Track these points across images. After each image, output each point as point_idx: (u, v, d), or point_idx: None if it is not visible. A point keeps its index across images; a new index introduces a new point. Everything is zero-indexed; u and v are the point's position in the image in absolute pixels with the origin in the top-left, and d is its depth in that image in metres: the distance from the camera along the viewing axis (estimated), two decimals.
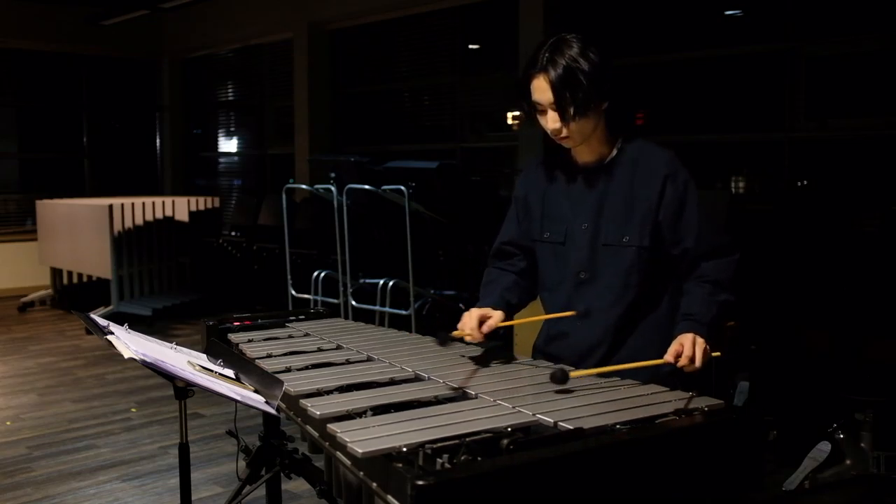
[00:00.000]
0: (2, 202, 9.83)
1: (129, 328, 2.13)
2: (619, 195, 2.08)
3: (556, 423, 1.57)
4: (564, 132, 2.03)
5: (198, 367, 1.98)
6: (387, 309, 5.59)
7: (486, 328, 2.11)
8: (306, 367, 2.09)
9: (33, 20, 9.47)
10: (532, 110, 2.06)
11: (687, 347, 1.91)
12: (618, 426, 1.56)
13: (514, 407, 1.67)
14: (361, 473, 1.50)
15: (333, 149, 8.44)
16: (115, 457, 4.18)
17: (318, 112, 8.51)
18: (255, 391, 1.85)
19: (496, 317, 2.14)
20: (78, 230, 7.69)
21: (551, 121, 2.03)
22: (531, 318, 2.31)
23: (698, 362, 1.90)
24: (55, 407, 5.05)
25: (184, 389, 2.03)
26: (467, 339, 2.13)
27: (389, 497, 1.40)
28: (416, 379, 1.94)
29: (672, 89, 5.94)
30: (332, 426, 1.55)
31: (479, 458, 1.42)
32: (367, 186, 5.42)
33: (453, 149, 7.43)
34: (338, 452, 1.58)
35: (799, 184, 5.33)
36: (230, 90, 10.36)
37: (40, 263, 8.55)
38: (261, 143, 9.78)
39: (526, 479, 1.37)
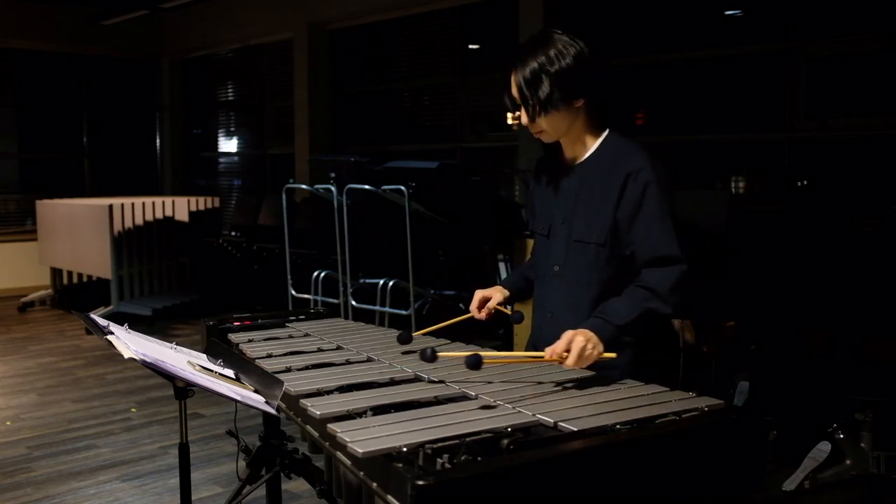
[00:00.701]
0: (2, 202, 9.84)
1: (129, 328, 2.13)
2: (590, 192, 2.09)
3: (556, 423, 1.57)
4: (534, 128, 2.10)
5: (198, 367, 1.98)
6: (387, 309, 5.59)
7: (485, 312, 2.30)
8: (306, 367, 2.09)
9: (33, 20, 9.47)
10: (513, 105, 2.11)
11: (561, 344, 1.87)
12: (618, 426, 1.56)
13: (514, 407, 1.67)
14: (361, 473, 1.50)
15: (333, 149, 8.44)
16: (115, 457, 4.18)
17: (318, 112, 8.51)
18: (255, 391, 1.85)
19: (496, 298, 2.30)
20: (78, 230, 7.69)
21: (522, 117, 2.10)
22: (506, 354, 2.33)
23: (569, 363, 1.85)
24: (55, 407, 5.05)
25: (184, 389, 2.02)
26: (474, 317, 2.32)
27: (389, 497, 1.40)
28: (416, 379, 1.94)
29: (672, 89, 5.94)
30: (332, 426, 1.55)
31: (479, 458, 1.42)
32: (367, 186, 5.42)
33: (453, 149, 7.43)
34: (338, 452, 1.58)
35: (799, 184, 5.33)
36: (230, 90, 10.37)
37: (40, 263, 8.55)
38: (261, 143, 9.78)
39: (526, 479, 1.37)
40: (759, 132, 5.42)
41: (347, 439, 1.47)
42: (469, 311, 2.36)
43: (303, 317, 2.81)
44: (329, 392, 1.86)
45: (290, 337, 2.51)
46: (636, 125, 6.18)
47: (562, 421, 1.57)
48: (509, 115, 2.18)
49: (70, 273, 8.30)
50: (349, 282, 5.75)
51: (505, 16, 6.69)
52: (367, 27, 8.20)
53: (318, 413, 1.66)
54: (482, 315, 2.32)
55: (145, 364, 1.90)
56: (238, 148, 10.40)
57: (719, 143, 5.68)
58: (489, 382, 1.88)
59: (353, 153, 6.78)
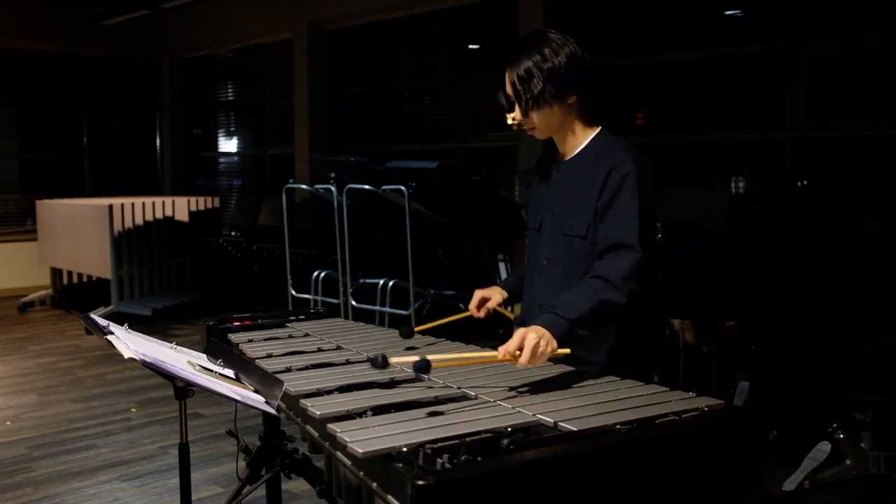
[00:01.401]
0: (2, 202, 9.83)
1: (129, 328, 2.13)
2: (576, 187, 2.13)
3: (556, 423, 1.57)
4: (527, 124, 2.15)
5: (198, 367, 1.98)
6: (387, 309, 5.59)
7: (483, 311, 2.35)
8: (306, 367, 2.09)
9: (33, 20, 9.47)
10: (508, 103, 2.16)
11: (513, 342, 1.85)
12: (618, 426, 1.56)
13: (514, 407, 1.67)
14: (361, 473, 1.50)
15: (333, 149, 8.44)
16: (115, 457, 4.18)
17: (318, 112, 8.51)
18: (255, 391, 1.85)
19: (495, 298, 2.34)
20: (78, 230, 7.69)
21: (516, 113, 2.15)
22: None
23: (522, 361, 1.83)
24: (55, 407, 5.05)
25: (184, 389, 2.02)
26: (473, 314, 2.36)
27: (389, 497, 1.40)
28: (416, 379, 1.94)
29: (672, 89, 5.94)
30: (332, 426, 1.55)
31: (479, 458, 1.42)
32: (367, 186, 5.41)
33: (453, 149, 7.43)
34: (338, 452, 1.58)
35: (799, 184, 5.33)
36: (230, 90, 10.37)
37: (40, 263, 8.55)
38: (261, 143, 9.78)
39: (526, 479, 1.37)
40: (759, 132, 5.42)
41: (347, 439, 1.47)
42: (468, 310, 2.38)
43: (303, 317, 2.81)
44: (329, 392, 1.86)
45: (290, 337, 2.51)
46: (636, 125, 6.18)
47: (562, 421, 1.57)
48: (508, 115, 2.19)
49: (70, 273, 8.30)
50: (349, 282, 5.75)
51: (505, 16, 6.69)
52: (367, 27, 8.20)
53: (318, 413, 1.66)
54: (481, 314, 2.35)
55: (145, 364, 1.90)
56: (238, 148, 10.40)
57: (719, 143, 5.68)
58: (489, 382, 1.88)
59: (353, 153, 6.78)
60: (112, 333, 2.02)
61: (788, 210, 5.22)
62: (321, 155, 7.86)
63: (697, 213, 4.85)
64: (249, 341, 2.44)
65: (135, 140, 10.87)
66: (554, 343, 1.87)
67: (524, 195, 6.39)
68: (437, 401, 1.76)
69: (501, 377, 1.92)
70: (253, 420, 3.49)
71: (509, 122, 2.19)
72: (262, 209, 8.43)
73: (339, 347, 2.32)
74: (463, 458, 1.41)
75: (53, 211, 8.13)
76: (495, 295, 2.35)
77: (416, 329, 2.38)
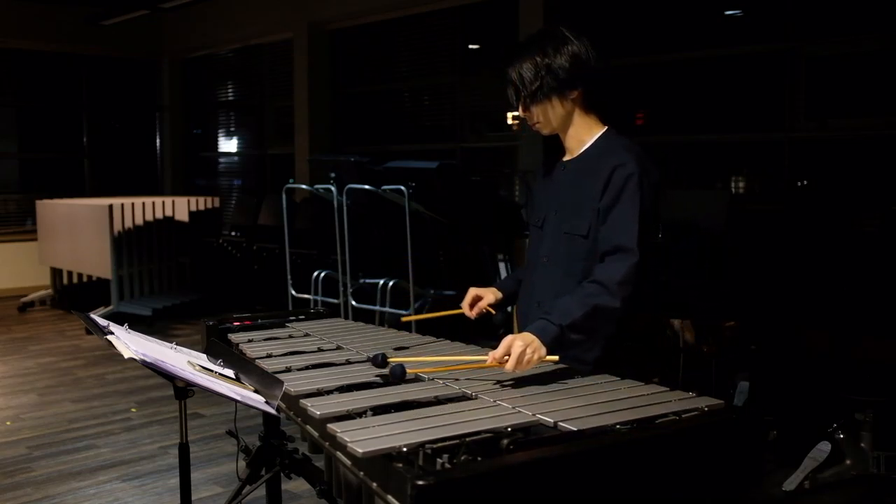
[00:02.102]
0: (2, 202, 9.83)
1: (129, 328, 2.12)
2: (580, 185, 2.13)
3: (556, 423, 1.57)
4: (530, 119, 2.16)
5: (198, 367, 1.98)
6: (387, 309, 5.59)
7: (476, 310, 2.34)
8: (306, 367, 2.09)
9: (33, 20, 9.47)
10: (515, 98, 2.18)
11: (500, 350, 1.86)
12: (618, 426, 1.56)
13: (514, 407, 1.67)
14: (361, 473, 1.50)
15: (333, 149, 8.44)
16: (115, 457, 4.18)
17: (318, 112, 8.51)
18: (255, 391, 1.85)
19: (488, 298, 2.33)
20: (78, 230, 7.69)
21: (520, 107, 2.17)
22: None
23: (509, 367, 1.84)
24: (55, 407, 5.05)
25: (184, 389, 2.02)
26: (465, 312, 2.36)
27: (389, 497, 1.40)
28: (416, 379, 1.94)
29: (672, 89, 5.94)
30: (332, 426, 1.55)
31: (479, 458, 1.42)
32: (367, 186, 5.41)
33: (453, 149, 7.43)
34: (338, 452, 1.58)
35: (799, 184, 5.33)
36: (230, 90, 10.37)
37: (40, 263, 8.55)
38: (261, 143, 9.78)
39: (526, 479, 1.37)
40: (759, 132, 5.42)
41: (347, 439, 1.47)
42: (461, 307, 2.38)
43: (303, 317, 2.81)
44: (329, 392, 1.86)
45: (290, 337, 2.51)
46: (636, 125, 6.18)
47: (562, 421, 1.57)
48: (509, 115, 2.20)
49: (70, 273, 8.30)
50: (349, 282, 5.75)
51: (505, 16, 6.69)
52: (367, 27, 8.19)
53: (318, 413, 1.66)
54: (472, 313, 2.35)
55: (145, 364, 1.90)
56: (238, 148, 10.40)
57: (719, 143, 5.68)
58: (489, 382, 1.88)
59: (353, 153, 6.78)
60: (112, 333, 2.02)
61: (788, 210, 5.22)
62: (321, 155, 7.86)
63: (697, 213, 4.85)
64: (249, 341, 2.44)
65: (135, 140, 10.87)
66: (542, 350, 1.87)
67: (525, 195, 6.39)
68: (437, 401, 1.76)
69: (501, 377, 1.92)
70: (253, 420, 3.49)
71: (509, 121, 2.19)
72: (262, 209, 8.43)
73: (339, 347, 2.32)
74: (463, 458, 1.41)
75: (53, 211, 8.13)
76: (488, 295, 2.35)
77: (411, 318, 2.45)
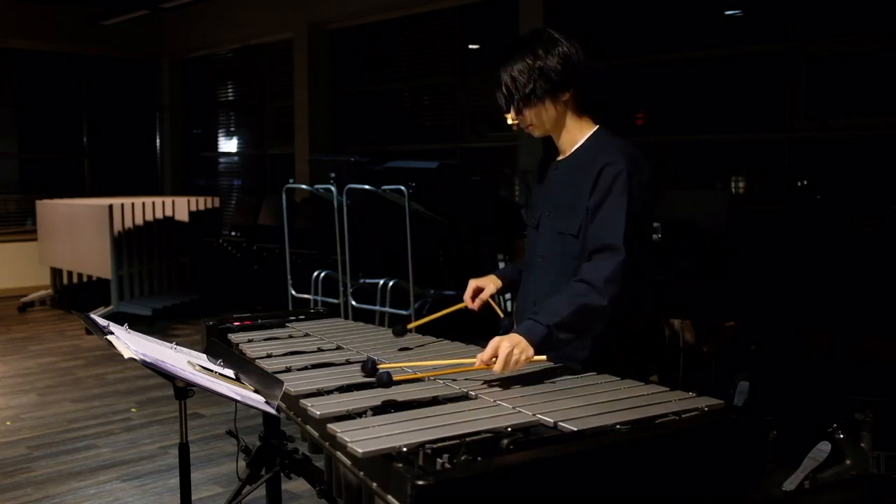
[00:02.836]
0: (2, 202, 9.83)
1: (129, 328, 2.13)
2: (571, 186, 2.14)
3: (556, 423, 1.57)
4: (523, 122, 2.16)
5: (198, 367, 1.98)
6: (387, 309, 5.59)
7: (478, 302, 2.35)
8: (306, 367, 2.09)
9: (33, 20, 9.47)
10: (505, 102, 2.17)
11: (487, 352, 1.86)
12: (618, 426, 1.56)
13: (514, 407, 1.67)
14: (361, 473, 1.50)
15: (333, 149, 8.44)
16: (115, 457, 4.18)
17: (318, 112, 8.51)
18: (255, 391, 1.85)
19: (489, 289, 2.35)
20: (78, 230, 7.69)
21: (512, 111, 2.15)
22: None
23: (496, 369, 1.84)
24: (55, 407, 5.05)
25: (184, 389, 2.02)
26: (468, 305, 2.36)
27: (389, 497, 1.40)
28: (416, 379, 1.94)
29: (672, 89, 5.94)
30: (332, 426, 1.55)
31: (479, 458, 1.42)
32: (367, 186, 5.41)
33: (453, 149, 7.43)
34: (338, 452, 1.58)
35: (799, 184, 5.33)
36: (230, 90, 10.37)
37: (40, 263, 8.55)
38: (261, 143, 9.78)
39: (526, 479, 1.37)
40: (759, 132, 5.42)
41: (347, 439, 1.47)
42: (463, 301, 2.37)
43: (303, 317, 2.81)
44: (329, 392, 1.86)
45: (290, 337, 2.51)
46: (636, 125, 6.18)
47: (562, 421, 1.57)
48: (508, 116, 2.19)
49: (70, 273, 8.30)
50: (349, 282, 5.75)
51: (505, 16, 6.69)
52: (367, 27, 8.19)
53: (318, 413, 1.66)
54: (475, 306, 2.35)
55: (145, 364, 1.90)
56: (238, 148, 10.40)
57: (719, 143, 5.68)
58: (489, 382, 1.88)
59: (353, 153, 6.78)
60: (112, 333, 2.02)
61: (788, 210, 5.21)
62: (321, 155, 7.86)
63: (697, 213, 4.84)
64: (249, 341, 2.44)
65: (135, 140, 10.87)
66: (529, 351, 1.87)
67: (524, 195, 6.39)
68: (437, 401, 1.76)
69: (501, 377, 1.92)
70: (253, 420, 3.49)
71: (509, 122, 2.19)
72: (262, 209, 8.43)
73: (339, 347, 2.32)
74: (463, 458, 1.41)
75: (53, 211, 8.13)
76: (489, 285, 2.36)
77: (411, 325, 2.38)
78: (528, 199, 2.45)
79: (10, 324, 7.70)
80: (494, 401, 1.72)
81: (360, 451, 1.42)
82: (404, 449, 1.43)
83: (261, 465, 2.74)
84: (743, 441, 1.65)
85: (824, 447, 3.64)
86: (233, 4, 9.28)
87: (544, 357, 1.90)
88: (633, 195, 2.01)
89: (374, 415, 1.67)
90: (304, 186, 6.30)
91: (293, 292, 6.10)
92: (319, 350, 2.29)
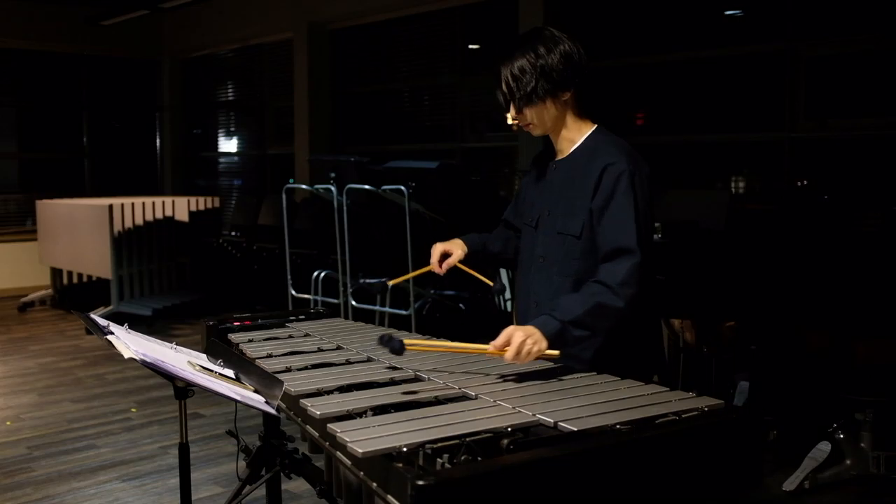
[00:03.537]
0: (2, 202, 9.83)
1: (129, 328, 2.13)
2: (571, 186, 2.14)
3: (556, 423, 1.57)
4: (522, 121, 2.16)
5: (198, 367, 1.98)
6: (387, 309, 5.59)
7: (445, 265, 2.39)
8: (306, 367, 2.09)
9: (33, 20, 9.47)
10: (505, 101, 2.17)
11: (500, 339, 1.88)
12: (618, 426, 1.56)
13: (514, 407, 1.67)
14: (361, 473, 1.50)
15: (333, 149, 8.44)
16: (115, 457, 4.18)
17: (318, 112, 8.51)
18: (255, 391, 1.85)
19: (457, 255, 2.39)
20: (78, 230, 7.69)
21: (511, 109, 2.16)
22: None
23: (508, 357, 1.86)
24: (55, 407, 5.05)
25: (184, 389, 2.02)
26: (433, 270, 2.39)
27: (389, 497, 1.40)
28: (416, 379, 1.94)
29: (672, 89, 5.94)
30: (332, 426, 1.55)
31: (479, 458, 1.42)
32: (367, 186, 5.42)
33: (453, 149, 7.43)
34: (338, 452, 1.58)
35: (799, 184, 5.32)
36: (230, 90, 10.36)
37: (40, 263, 8.55)
38: (261, 143, 9.78)
39: (526, 479, 1.37)
40: (759, 132, 5.42)
41: (347, 439, 1.47)
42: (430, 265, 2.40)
43: (303, 317, 2.81)
44: (329, 392, 1.86)
45: (290, 337, 2.51)
46: (636, 125, 6.18)
47: (562, 421, 1.57)
48: (508, 115, 2.19)
49: (70, 273, 8.30)
50: (349, 282, 5.75)
51: (505, 16, 6.69)
52: (367, 27, 8.19)
53: (318, 413, 1.66)
54: (441, 270, 2.40)
55: (145, 364, 1.90)
56: (238, 148, 10.40)
57: (719, 143, 5.68)
58: (489, 382, 1.88)
59: (353, 153, 6.78)
60: (112, 333, 2.02)
61: (788, 210, 5.21)
62: (321, 155, 7.86)
63: (697, 213, 4.84)
64: (249, 341, 2.44)
65: (135, 140, 10.87)
66: (543, 343, 1.89)
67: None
68: (437, 401, 1.76)
69: (501, 377, 1.92)
70: (253, 420, 3.49)
71: (509, 121, 2.19)
72: (262, 209, 8.43)
73: (339, 347, 2.32)
74: (463, 458, 1.41)
75: (53, 211, 8.13)
76: (456, 250, 2.39)
77: (392, 282, 2.45)
78: (517, 197, 2.43)
79: (10, 324, 7.70)
80: (494, 401, 1.72)
81: (360, 451, 1.42)
82: (404, 449, 1.43)
83: (261, 465, 2.73)
84: (743, 441, 1.65)
85: (824, 447, 3.64)
86: (233, 4, 9.28)
87: (557, 352, 1.91)
88: (638, 194, 2.03)
89: (374, 415, 1.67)
90: (304, 186, 6.30)
91: (293, 292, 6.10)
92: (319, 350, 2.29)
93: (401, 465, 1.40)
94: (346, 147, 8.39)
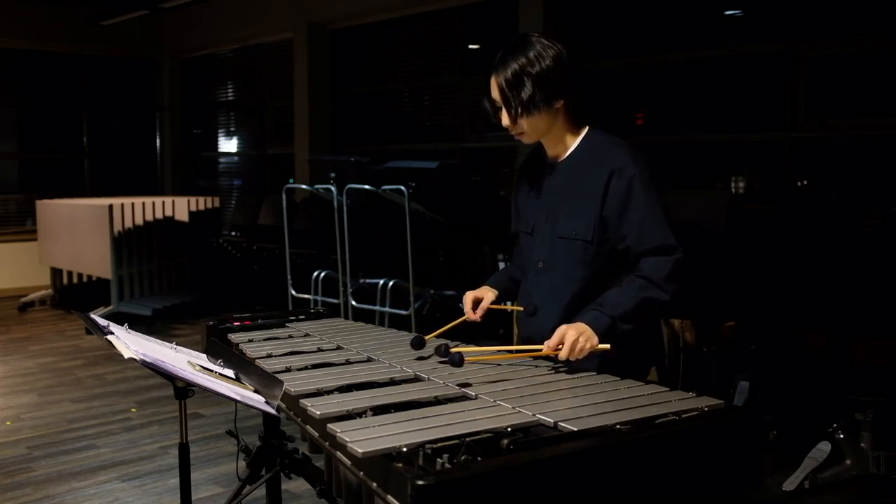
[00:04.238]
0: (2, 202, 9.83)
1: (129, 328, 2.13)
2: (573, 190, 2.13)
3: (556, 423, 1.57)
4: (515, 130, 2.13)
5: (198, 367, 1.98)
6: (387, 309, 5.59)
7: (479, 312, 2.31)
8: (306, 367, 2.09)
9: (33, 20, 9.47)
10: (493, 108, 2.15)
11: (554, 339, 1.93)
12: (618, 426, 1.56)
13: (514, 407, 1.67)
14: (361, 473, 1.50)
15: (333, 149, 8.44)
16: (115, 457, 4.18)
17: (318, 112, 8.51)
18: (255, 391, 1.85)
19: (488, 298, 2.33)
20: (78, 230, 7.69)
21: (503, 119, 2.13)
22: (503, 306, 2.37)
23: (563, 355, 1.91)
24: (55, 407, 5.05)
25: (184, 389, 2.02)
26: (469, 319, 2.33)
27: (389, 497, 1.40)
28: (416, 379, 1.94)
29: (672, 89, 5.94)
30: (332, 426, 1.55)
31: (479, 458, 1.42)
32: (367, 186, 5.42)
33: (453, 149, 7.43)
34: (338, 452, 1.59)
35: (799, 184, 5.33)
36: (230, 90, 10.37)
37: (40, 263, 8.55)
38: (261, 143, 9.78)
39: (526, 479, 1.37)
40: (759, 132, 5.42)
41: (347, 439, 1.47)
42: (464, 315, 2.35)
43: (303, 317, 2.81)
44: (329, 392, 1.86)
45: (290, 337, 2.51)
46: (636, 125, 6.18)
47: (562, 421, 1.57)
48: (503, 122, 2.18)
49: (70, 273, 8.30)
50: (349, 282, 5.75)
51: (505, 16, 6.69)
52: (367, 27, 8.19)
53: (318, 413, 1.66)
54: (477, 317, 2.33)
55: (145, 364, 1.90)
56: (238, 148, 10.40)
57: (719, 143, 5.68)
58: (489, 382, 1.88)
59: (353, 153, 6.78)
60: (112, 333, 2.02)
61: (788, 210, 5.21)
62: (321, 155, 7.86)
63: (697, 213, 4.84)
64: (249, 341, 2.44)
65: (135, 140, 10.87)
66: (594, 339, 1.94)
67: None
68: (437, 401, 1.76)
69: (501, 377, 1.93)
70: (253, 420, 3.49)
71: (504, 122, 2.18)
72: (262, 209, 8.43)
73: (339, 347, 2.32)
74: (463, 458, 1.41)
75: (53, 211, 8.13)
76: (488, 294, 2.35)
77: (433, 335, 2.35)
78: (514, 206, 2.42)
79: (10, 324, 7.70)
80: (494, 401, 1.72)
81: (360, 451, 1.42)
82: (404, 449, 1.43)
83: (261, 465, 2.73)
84: (743, 441, 1.65)
85: (824, 447, 3.64)
86: (233, 4, 9.28)
87: (608, 346, 1.95)
88: (655, 192, 2.06)
89: (374, 415, 1.67)
90: (304, 186, 6.30)
91: (293, 292, 6.10)
92: (319, 350, 2.29)
93: (401, 465, 1.40)
94: (346, 147, 8.39)
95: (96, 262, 7.45)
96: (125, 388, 5.44)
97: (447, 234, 5.87)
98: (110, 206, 7.15)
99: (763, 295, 4.52)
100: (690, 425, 1.61)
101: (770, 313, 4.45)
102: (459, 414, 1.63)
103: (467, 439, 1.47)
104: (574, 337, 1.91)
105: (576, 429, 1.54)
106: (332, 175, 5.71)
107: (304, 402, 1.74)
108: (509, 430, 1.53)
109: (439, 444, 1.45)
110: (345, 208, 5.61)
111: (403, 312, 5.44)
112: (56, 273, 8.39)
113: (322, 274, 6.03)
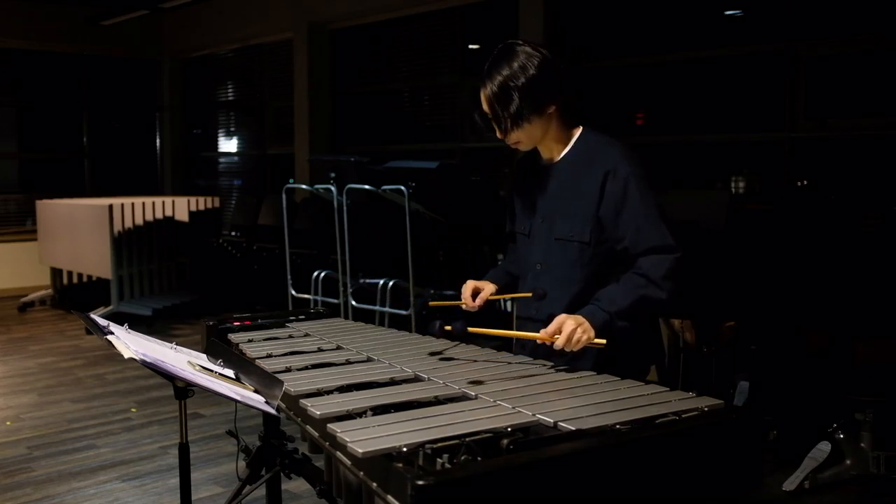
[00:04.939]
0: (2, 202, 9.83)
1: (129, 328, 2.13)
2: (569, 191, 2.13)
3: (556, 423, 1.57)
4: (509, 140, 2.13)
5: (198, 367, 1.98)
6: (387, 309, 5.59)
7: (479, 300, 2.31)
8: (306, 367, 2.09)
9: (33, 20, 9.47)
10: (485, 122, 2.14)
11: (552, 327, 1.94)
12: (618, 426, 1.56)
13: (514, 407, 1.67)
14: (361, 473, 1.50)
15: (333, 149, 8.44)
16: (115, 457, 4.18)
17: (318, 112, 8.51)
18: (255, 391, 1.85)
19: (488, 289, 2.33)
20: (78, 230, 7.69)
21: (497, 131, 2.13)
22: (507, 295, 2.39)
23: (559, 344, 1.92)
24: (55, 407, 5.05)
25: (184, 389, 2.02)
26: (464, 307, 2.34)
27: (389, 497, 1.40)
28: (416, 379, 1.94)
29: (672, 89, 5.94)
30: (332, 426, 1.55)
31: (479, 458, 1.42)
32: (367, 186, 5.42)
33: (453, 149, 7.43)
34: (338, 452, 1.58)
35: (799, 184, 5.33)
36: (230, 90, 10.37)
37: (40, 263, 8.55)
38: (261, 143, 9.78)
39: (526, 479, 1.37)
40: (759, 132, 5.42)
41: (347, 439, 1.47)
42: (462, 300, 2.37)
43: (303, 317, 2.81)
44: (329, 392, 1.86)
45: (290, 337, 2.51)
46: (636, 125, 6.18)
47: (562, 421, 1.57)
48: (497, 134, 2.17)
49: (70, 273, 8.30)
50: (349, 282, 5.75)
51: (505, 16, 6.69)
52: (367, 27, 8.19)
53: (318, 413, 1.66)
54: (475, 305, 2.33)
55: (145, 364, 1.90)
56: (238, 148, 10.40)
57: (719, 143, 5.68)
58: (489, 382, 1.88)
59: (353, 153, 6.78)
60: (112, 333, 2.02)
61: (788, 210, 5.21)
62: (321, 155, 7.86)
63: (697, 213, 4.84)
64: (249, 341, 2.44)
65: (135, 140, 10.87)
66: (591, 332, 1.94)
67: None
68: (437, 401, 1.76)
69: (501, 377, 1.93)
70: (253, 420, 3.49)
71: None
72: (262, 209, 8.43)
73: (339, 347, 2.32)
74: (463, 458, 1.41)
75: (53, 211, 8.13)
76: (488, 286, 2.35)
77: (433, 304, 2.43)
78: (509, 207, 2.41)
79: (10, 324, 7.70)
80: (494, 401, 1.72)
81: (360, 451, 1.42)
82: (404, 449, 1.43)
83: (261, 465, 2.73)
84: (743, 441, 1.65)
85: (824, 447, 3.64)
86: (233, 4, 9.28)
87: (604, 340, 1.96)
88: (651, 192, 2.05)
89: (374, 415, 1.67)
90: (304, 186, 6.30)
91: (293, 292, 6.10)
92: (319, 350, 2.29)
93: (401, 465, 1.40)
94: (346, 147, 8.39)
95: (96, 262, 7.45)
96: (125, 388, 5.44)
97: (447, 234, 5.87)
98: (110, 206, 7.15)
99: (763, 295, 4.52)
100: (690, 425, 1.61)
101: (770, 313, 4.45)
102: (459, 414, 1.63)
103: (467, 439, 1.47)
104: (572, 327, 1.92)
105: (575, 429, 1.54)
106: (332, 175, 5.71)
107: (304, 402, 1.74)
108: (509, 430, 1.53)
109: (439, 444, 1.45)
110: (345, 208, 5.61)
111: (403, 312, 5.44)
112: (56, 273, 8.39)
113: (322, 274, 6.03)
